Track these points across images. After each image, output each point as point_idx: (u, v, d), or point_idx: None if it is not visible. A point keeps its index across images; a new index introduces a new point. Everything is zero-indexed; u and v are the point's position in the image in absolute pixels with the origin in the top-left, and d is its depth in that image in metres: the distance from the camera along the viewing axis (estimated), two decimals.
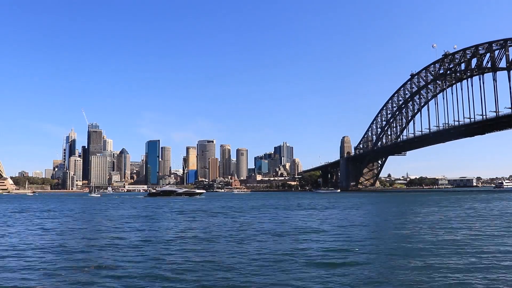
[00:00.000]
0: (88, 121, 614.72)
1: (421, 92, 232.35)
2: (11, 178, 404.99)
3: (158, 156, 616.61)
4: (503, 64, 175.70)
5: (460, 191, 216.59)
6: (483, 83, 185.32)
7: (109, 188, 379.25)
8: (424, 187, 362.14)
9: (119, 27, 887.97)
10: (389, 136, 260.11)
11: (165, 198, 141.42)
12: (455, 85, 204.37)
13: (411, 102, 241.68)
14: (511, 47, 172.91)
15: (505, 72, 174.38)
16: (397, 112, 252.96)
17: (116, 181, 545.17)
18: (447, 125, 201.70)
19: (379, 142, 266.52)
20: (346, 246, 23.25)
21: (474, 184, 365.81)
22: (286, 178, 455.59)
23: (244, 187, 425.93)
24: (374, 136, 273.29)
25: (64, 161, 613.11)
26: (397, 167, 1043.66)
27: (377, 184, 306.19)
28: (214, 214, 55.90)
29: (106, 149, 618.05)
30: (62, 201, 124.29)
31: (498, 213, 48.25)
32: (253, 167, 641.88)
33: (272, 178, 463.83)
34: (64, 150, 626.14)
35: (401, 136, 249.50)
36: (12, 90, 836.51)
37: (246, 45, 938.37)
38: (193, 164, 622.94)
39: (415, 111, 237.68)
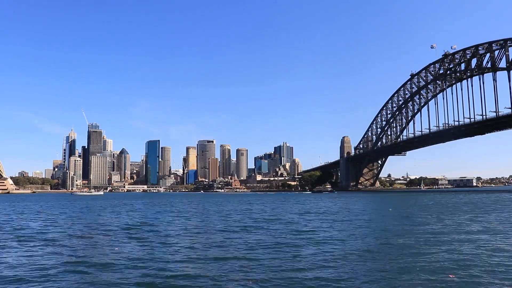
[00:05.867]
0: (88, 121, 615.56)
1: (421, 92, 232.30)
2: (11, 178, 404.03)
3: (158, 156, 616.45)
4: (503, 64, 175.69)
5: (461, 191, 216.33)
6: (483, 83, 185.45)
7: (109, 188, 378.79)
8: (424, 187, 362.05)
9: (120, 27, 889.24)
10: (389, 136, 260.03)
11: None
12: (455, 85, 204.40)
13: (411, 102, 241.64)
14: (511, 47, 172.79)
15: (505, 72, 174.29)
16: (397, 112, 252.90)
17: (116, 181, 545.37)
18: (447, 125, 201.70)
19: (379, 142, 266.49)
20: None
21: (474, 184, 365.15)
22: (286, 178, 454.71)
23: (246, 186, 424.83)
24: (374, 136, 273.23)
25: (64, 161, 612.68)
26: (397, 167, 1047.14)
27: (377, 184, 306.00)
28: None
29: (106, 149, 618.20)
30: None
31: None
32: (253, 167, 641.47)
33: (272, 178, 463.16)
34: (64, 150, 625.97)
35: (401, 136, 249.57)
36: (12, 90, 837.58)
37: (246, 44, 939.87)
38: (193, 164, 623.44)
39: (415, 111, 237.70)
